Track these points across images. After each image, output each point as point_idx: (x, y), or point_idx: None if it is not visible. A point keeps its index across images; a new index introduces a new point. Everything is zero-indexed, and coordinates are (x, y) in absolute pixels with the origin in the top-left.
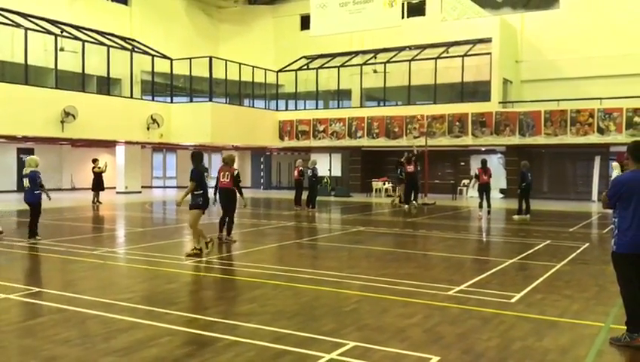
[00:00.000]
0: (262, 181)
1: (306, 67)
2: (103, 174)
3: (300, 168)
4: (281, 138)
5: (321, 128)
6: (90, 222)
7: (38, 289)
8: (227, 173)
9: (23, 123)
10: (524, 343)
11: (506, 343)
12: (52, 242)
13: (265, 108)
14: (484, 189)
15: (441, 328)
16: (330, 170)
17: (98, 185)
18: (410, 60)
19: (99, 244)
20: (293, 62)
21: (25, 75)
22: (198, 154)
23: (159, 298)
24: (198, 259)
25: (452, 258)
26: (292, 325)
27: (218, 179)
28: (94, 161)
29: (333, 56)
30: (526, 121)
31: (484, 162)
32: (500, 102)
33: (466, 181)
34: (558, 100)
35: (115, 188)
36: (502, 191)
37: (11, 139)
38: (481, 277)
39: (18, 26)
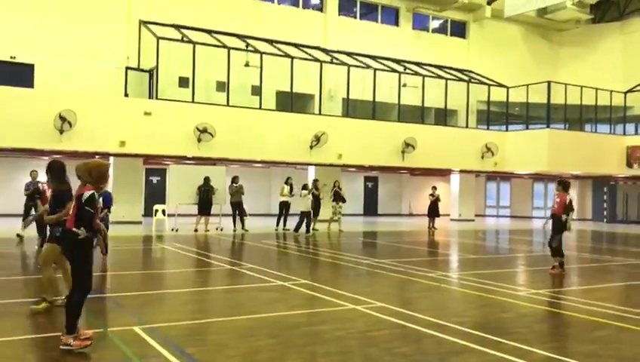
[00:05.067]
0: (605, 213)
1: None
2: (439, 202)
3: None
4: (629, 165)
5: None
6: (425, 246)
7: (380, 304)
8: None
9: (370, 154)
10: None
11: None
12: (393, 262)
13: (610, 132)
14: None
15: None
16: None
17: (434, 211)
18: None
19: (434, 267)
20: None
21: (373, 110)
22: (55, 166)
23: (493, 326)
24: (535, 291)
25: None
26: None
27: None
28: (434, 188)
29: None
30: None
31: None
32: None
33: None
34: None
35: (449, 215)
36: None
37: (359, 168)
38: None
39: (368, 67)
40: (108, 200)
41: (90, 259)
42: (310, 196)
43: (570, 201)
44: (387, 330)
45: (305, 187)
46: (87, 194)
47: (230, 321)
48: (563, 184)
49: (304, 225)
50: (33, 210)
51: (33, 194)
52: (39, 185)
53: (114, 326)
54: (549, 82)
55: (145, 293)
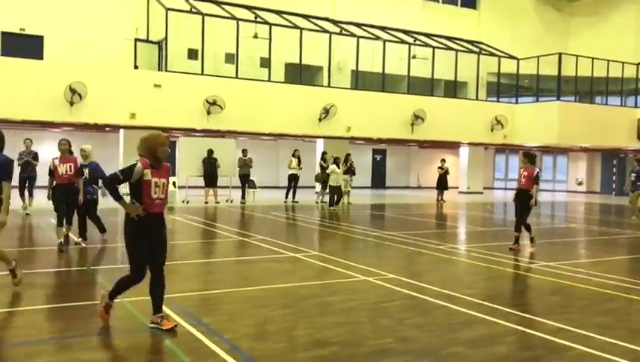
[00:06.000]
0: (614, 186)
1: None
2: (448, 174)
3: None
4: None
5: None
6: (434, 219)
7: (392, 276)
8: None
9: (379, 126)
10: None
11: None
12: (402, 234)
13: (621, 105)
14: None
15: None
16: None
17: (442, 184)
18: None
19: (443, 240)
20: None
21: (382, 82)
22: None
23: (503, 297)
24: (543, 263)
25: None
26: None
27: (56, 172)
28: (442, 160)
29: None
30: None
31: None
32: None
33: None
34: None
35: (457, 187)
36: None
37: (368, 140)
38: None
39: (378, 38)
40: (97, 172)
41: (141, 242)
42: (339, 170)
43: (538, 174)
44: (399, 301)
45: (335, 161)
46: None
47: (243, 292)
48: (529, 156)
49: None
50: (27, 182)
51: (27, 164)
52: (50, 161)
53: (130, 297)
54: (559, 54)
55: None
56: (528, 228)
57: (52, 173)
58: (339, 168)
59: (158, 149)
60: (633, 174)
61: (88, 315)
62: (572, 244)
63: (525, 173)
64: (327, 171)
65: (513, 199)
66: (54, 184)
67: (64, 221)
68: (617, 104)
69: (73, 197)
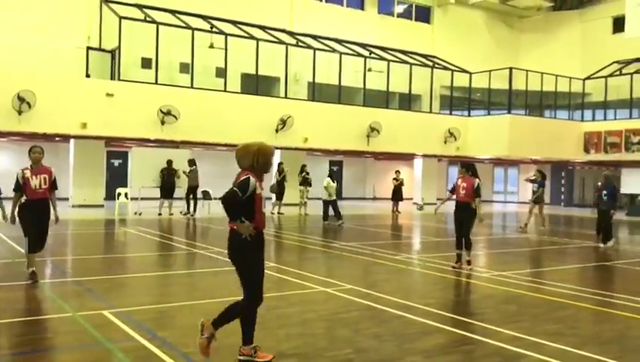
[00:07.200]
0: (562, 197)
1: (618, 73)
2: (402, 186)
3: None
4: (587, 151)
5: (635, 140)
6: (390, 229)
7: (349, 286)
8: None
9: (336, 138)
10: None
11: None
12: (359, 245)
13: (568, 118)
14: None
15: None
16: None
17: (398, 195)
18: None
19: (399, 250)
20: (603, 69)
21: (338, 95)
22: None
23: (460, 307)
24: (498, 273)
25: None
26: (605, 352)
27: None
28: (397, 172)
29: None
30: None
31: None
32: None
33: None
34: None
35: (412, 198)
36: None
37: (325, 152)
38: None
39: (334, 51)
40: None
41: (259, 262)
42: (332, 184)
43: (479, 186)
44: (357, 312)
45: (329, 175)
46: (243, 178)
47: (199, 304)
48: (467, 167)
49: (327, 214)
50: None
51: None
52: (20, 172)
53: (83, 311)
54: (510, 68)
55: (112, 277)
56: (469, 246)
57: (19, 187)
58: (333, 182)
59: (270, 160)
60: (536, 185)
61: (40, 331)
62: (524, 254)
63: (465, 185)
64: (324, 185)
65: (454, 213)
66: (24, 200)
67: (36, 246)
68: (565, 118)
69: (47, 216)
